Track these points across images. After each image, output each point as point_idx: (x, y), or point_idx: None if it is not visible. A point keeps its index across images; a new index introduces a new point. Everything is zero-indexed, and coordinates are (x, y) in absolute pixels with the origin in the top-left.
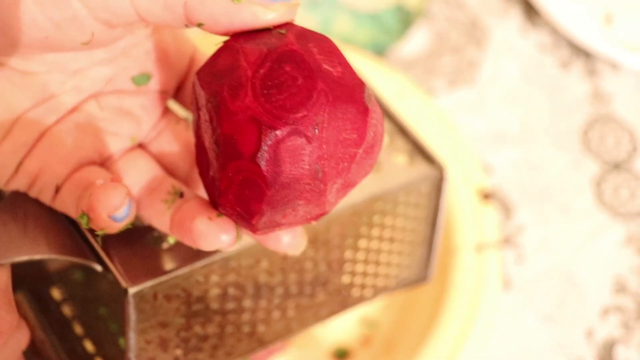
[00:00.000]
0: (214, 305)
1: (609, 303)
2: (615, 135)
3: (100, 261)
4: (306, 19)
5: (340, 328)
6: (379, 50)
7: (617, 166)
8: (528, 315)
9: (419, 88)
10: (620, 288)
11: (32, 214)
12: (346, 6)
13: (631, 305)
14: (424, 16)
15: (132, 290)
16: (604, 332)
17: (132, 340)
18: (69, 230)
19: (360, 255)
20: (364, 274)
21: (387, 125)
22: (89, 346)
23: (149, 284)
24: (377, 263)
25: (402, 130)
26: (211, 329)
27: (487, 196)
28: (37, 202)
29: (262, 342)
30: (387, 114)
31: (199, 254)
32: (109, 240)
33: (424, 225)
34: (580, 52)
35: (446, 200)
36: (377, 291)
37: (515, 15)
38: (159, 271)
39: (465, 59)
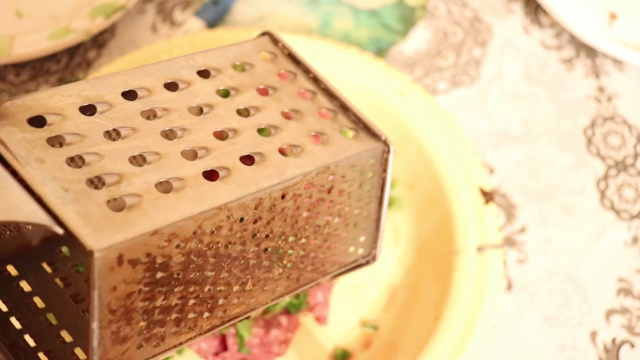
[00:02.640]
0: (177, 275)
1: (614, 304)
2: (619, 134)
3: (60, 224)
4: (306, 17)
5: (341, 329)
6: (380, 48)
7: (621, 166)
8: (531, 317)
9: (420, 87)
10: (625, 289)
11: None
12: (346, 2)
13: (636, 307)
14: (425, 12)
15: (98, 252)
16: (609, 334)
17: (96, 309)
18: (21, 193)
19: (313, 229)
20: (317, 249)
21: (329, 104)
22: (29, 340)
23: (114, 244)
24: (329, 239)
25: (344, 108)
26: (174, 301)
27: (489, 196)
28: None
29: (222, 319)
30: (328, 93)
31: (161, 216)
32: (65, 206)
33: (371, 201)
34: (584, 50)
35: (391, 175)
36: (329, 269)
37: (518, 13)
38: (122, 233)
39: (467, 57)
